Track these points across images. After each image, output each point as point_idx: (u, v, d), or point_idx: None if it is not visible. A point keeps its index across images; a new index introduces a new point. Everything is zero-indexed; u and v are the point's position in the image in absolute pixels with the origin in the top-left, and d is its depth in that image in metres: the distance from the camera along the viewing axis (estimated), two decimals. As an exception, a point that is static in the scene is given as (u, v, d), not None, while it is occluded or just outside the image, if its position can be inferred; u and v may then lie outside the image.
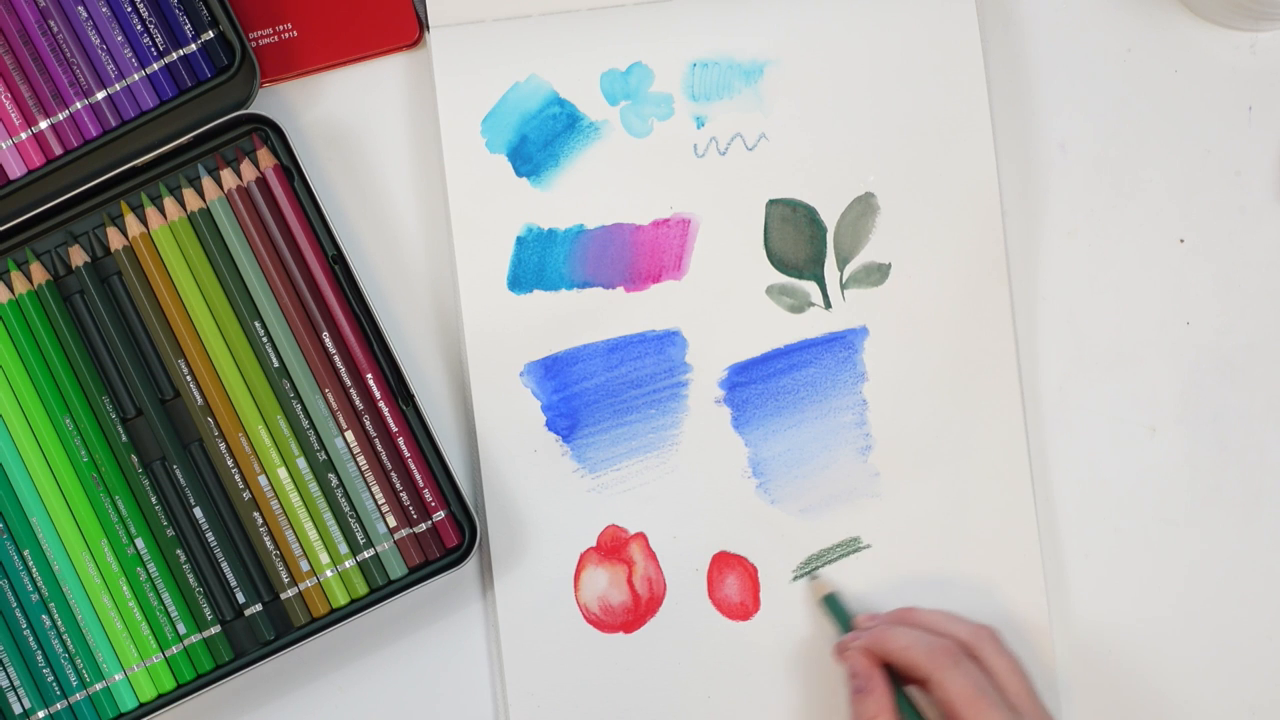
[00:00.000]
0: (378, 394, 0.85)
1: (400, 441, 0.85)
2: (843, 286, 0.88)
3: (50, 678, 0.85)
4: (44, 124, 0.86)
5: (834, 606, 0.85)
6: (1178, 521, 0.88)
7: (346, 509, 0.85)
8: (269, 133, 0.87)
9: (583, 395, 0.88)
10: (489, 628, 0.87)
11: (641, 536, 0.87)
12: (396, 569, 0.85)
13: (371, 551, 0.85)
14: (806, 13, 0.88)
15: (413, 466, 0.85)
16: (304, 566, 0.85)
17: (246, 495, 0.85)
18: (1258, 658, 0.87)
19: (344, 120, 0.89)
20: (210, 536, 0.85)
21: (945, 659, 0.79)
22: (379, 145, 0.89)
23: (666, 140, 0.88)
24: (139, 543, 0.85)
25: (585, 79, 0.88)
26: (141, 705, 0.85)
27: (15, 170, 0.86)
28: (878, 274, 0.88)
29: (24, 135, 0.86)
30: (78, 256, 0.86)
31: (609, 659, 0.87)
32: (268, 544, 0.85)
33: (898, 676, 0.81)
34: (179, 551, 0.85)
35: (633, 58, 0.89)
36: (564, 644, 0.87)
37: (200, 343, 0.85)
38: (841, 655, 0.82)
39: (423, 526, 0.85)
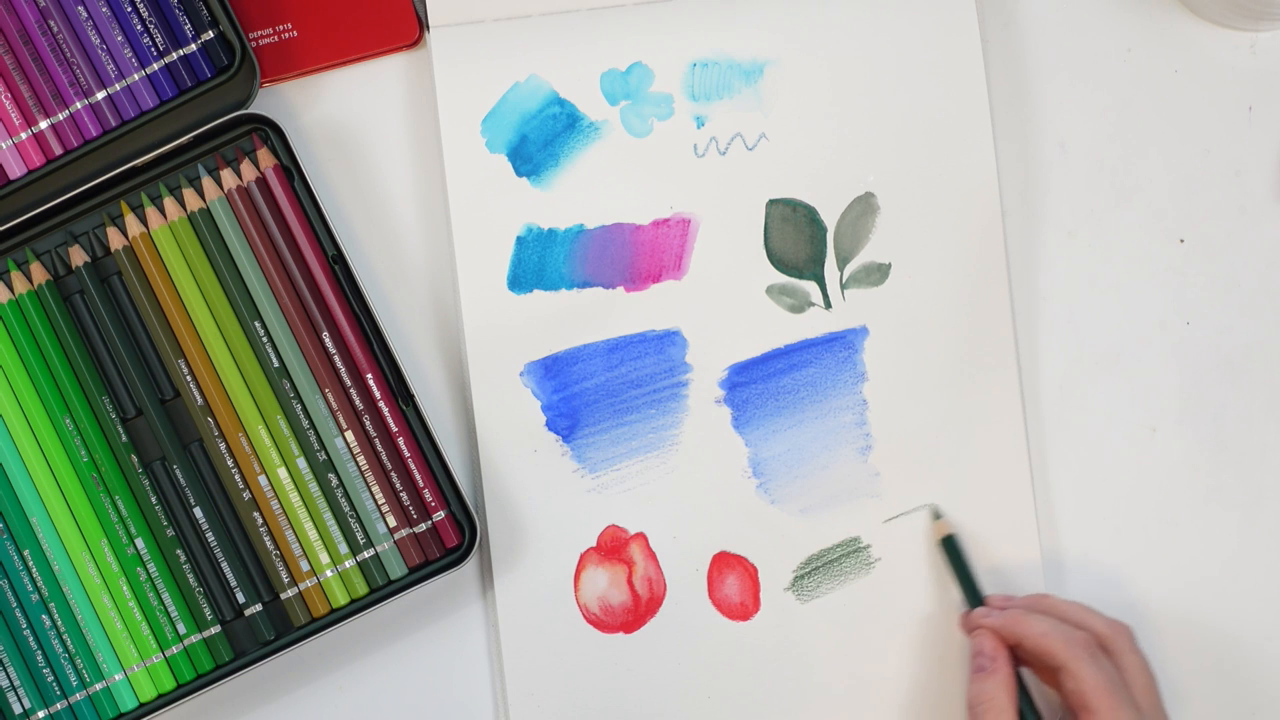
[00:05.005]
0: (378, 394, 0.86)
1: (400, 441, 0.85)
2: (843, 286, 0.88)
3: (50, 678, 0.85)
4: (44, 124, 0.86)
5: (952, 551, 0.85)
6: (1178, 521, 0.88)
7: (346, 509, 0.85)
8: (269, 133, 0.87)
9: (583, 395, 0.88)
10: (489, 628, 0.87)
11: (641, 536, 0.87)
12: (396, 569, 0.85)
13: (371, 551, 0.85)
14: (806, 13, 0.88)
15: (413, 466, 0.85)
16: (304, 566, 0.85)
17: (246, 495, 0.85)
18: (1258, 658, 0.87)
19: (344, 120, 0.89)
20: (210, 536, 0.85)
21: (1083, 650, 0.79)
22: (379, 145, 0.89)
23: (666, 140, 0.88)
24: (139, 543, 0.85)
25: (585, 79, 0.88)
26: (141, 705, 0.85)
27: (15, 170, 0.86)
28: (878, 274, 0.88)
29: (24, 135, 0.86)
30: (78, 256, 0.86)
31: (609, 659, 0.87)
32: (268, 544, 0.85)
33: (1018, 661, 0.82)
34: (179, 551, 0.85)
35: (633, 58, 0.89)
36: (564, 644, 0.87)
37: (200, 343, 0.85)
38: (970, 631, 0.83)
39: (423, 526, 0.85)
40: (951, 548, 0.85)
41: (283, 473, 0.85)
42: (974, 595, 0.85)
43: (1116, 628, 0.82)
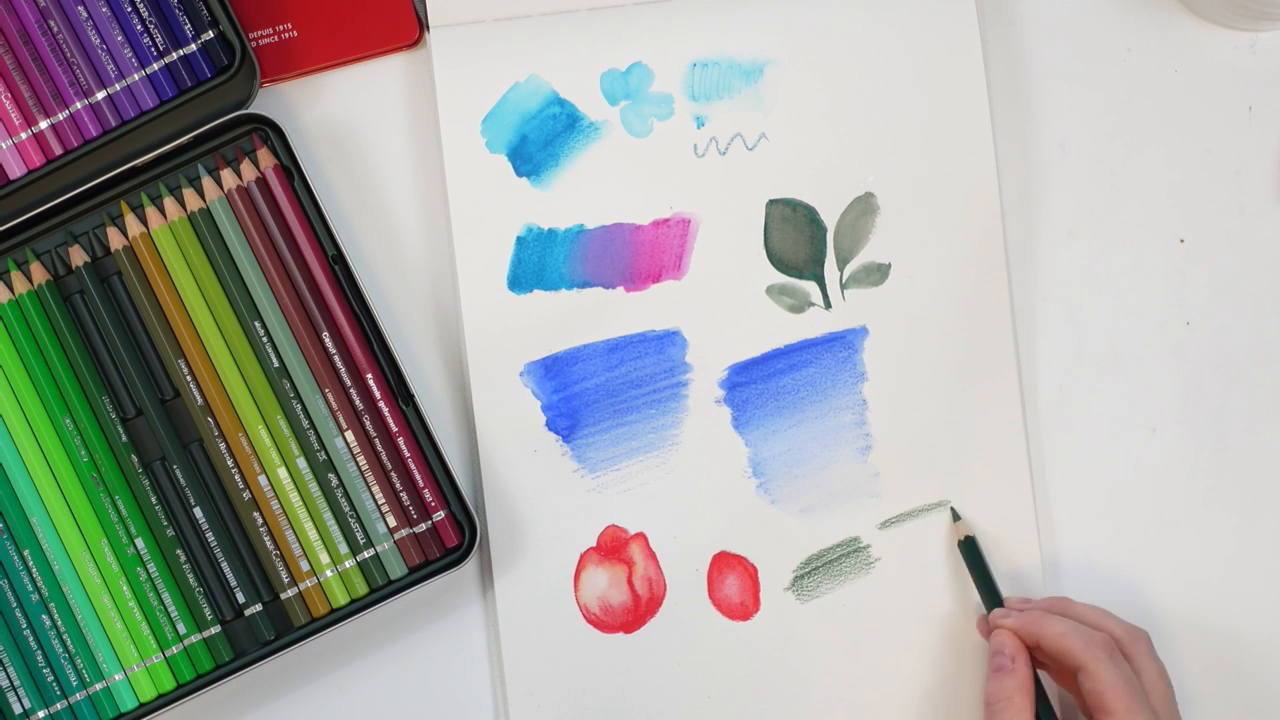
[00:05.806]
0: (378, 394, 0.86)
1: (400, 441, 0.85)
2: (843, 286, 0.88)
3: (50, 678, 0.85)
4: (44, 124, 0.86)
5: (972, 553, 0.85)
6: (1178, 521, 0.88)
7: (346, 509, 0.85)
8: (269, 133, 0.87)
9: (583, 395, 0.88)
10: (489, 628, 0.87)
11: (641, 536, 0.87)
12: (396, 569, 0.85)
13: (371, 551, 0.85)
14: (806, 13, 0.88)
15: (413, 466, 0.85)
16: (304, 566, 0.85)
17: (246, 495, 0.85)
18: (1258, 658, 0.87)
19: (344, 120, 0.89)
20: (210, 536, 0.85)
21: (1102, 651, 0.80)
22: (379, 145, 0.89)
23: (666, 140, 0.88)
24: (139, 543, 0.85)
25: (585, 79, 0.88)
26: (141, 705, 0.85)
27: (15, 170, 0.86)
28: (878, 274, 0.88)
29: (24, 135, 0.86)
30: (78, 256, 0.86)
31: (609, 659, 0.87)
32: (268, 544, 0.85)
33: (1036, 663, 0.83)
34: (179, 551, 0.85)
35: (633, 58, 0.89)
36: (564, 644, 0.87)
37: (200, 343, 0.85)
38: (990, 631, 0.83)
39: (423, 526, 0.85)
40: (971, 549, 0.86)
41: (283, 473, 0.85)
42: (993, 596, 0.85)
43: (1135, 633, 0.82)
